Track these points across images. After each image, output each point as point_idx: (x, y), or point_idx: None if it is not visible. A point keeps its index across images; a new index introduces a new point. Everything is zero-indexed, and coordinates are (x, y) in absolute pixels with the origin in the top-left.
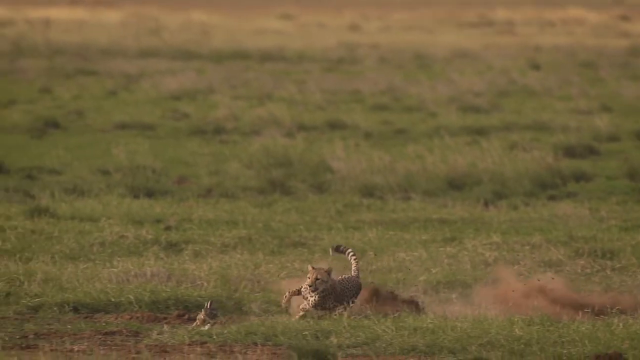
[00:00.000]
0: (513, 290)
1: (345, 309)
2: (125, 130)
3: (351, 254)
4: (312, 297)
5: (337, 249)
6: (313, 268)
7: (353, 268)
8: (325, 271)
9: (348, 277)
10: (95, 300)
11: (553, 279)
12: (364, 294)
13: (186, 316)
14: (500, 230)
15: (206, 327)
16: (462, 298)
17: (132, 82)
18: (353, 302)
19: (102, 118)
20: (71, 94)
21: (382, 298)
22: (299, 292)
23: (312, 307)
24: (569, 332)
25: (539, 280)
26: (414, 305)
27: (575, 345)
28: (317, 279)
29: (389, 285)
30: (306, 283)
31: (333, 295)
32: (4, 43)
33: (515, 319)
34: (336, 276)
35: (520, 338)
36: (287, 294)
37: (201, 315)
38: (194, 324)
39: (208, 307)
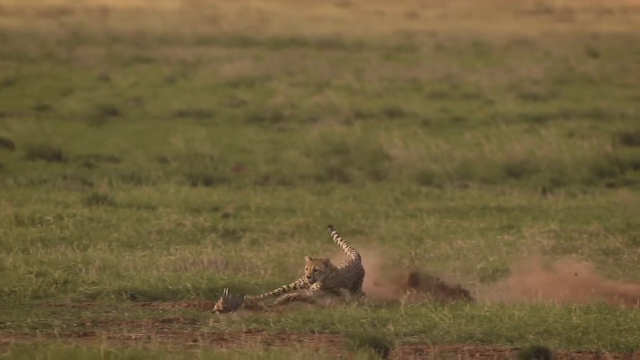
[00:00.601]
0: (546, 284)
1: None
2: (183, 118)
3: (335, 235)
4: (314, 287)
5: (330, 227)
6: (310, 259)
7: (346, 250)
8: (323, 262)
9: (349, 265)
10: (153, 288)
11: (593, 273)
12: (402, 280)
13: (243, 305)
14: (558, 218)
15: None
16: (519, 286)
17: (190, 70)
18: (359, 287)
19: (160, 105)
20: (129, 82)
21: (422, 283)
22: (283, 291)
23: (314, 296)
24: (626, 320)
25: (576, 275)
26: (461, 293)
27: (632, 333)
28: (315, 270)
29: (445, 272)
30: (305, 274)
31: (336, 281)
32: (62, 32)
33: (573, 307)
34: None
35: (577, 326)
36: (265, 294)
37: (219, 305)
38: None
39: (226, 295)
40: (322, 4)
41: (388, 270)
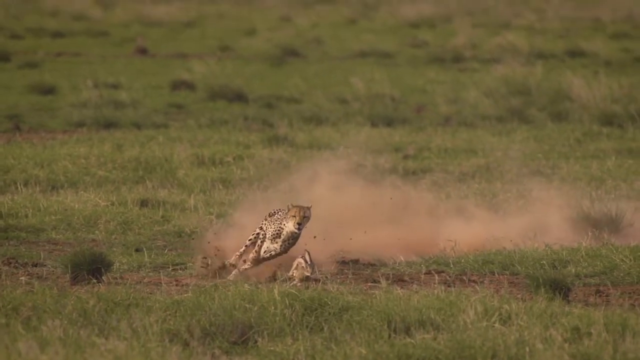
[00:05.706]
0: None
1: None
2: (363, 59)
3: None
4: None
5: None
6: (295, 206)
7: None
8: (308, 208)
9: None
10: None
11: None
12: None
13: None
14: None
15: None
16: None
17: (371, 10)
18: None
19: (340, 46)
20: (310, 22)
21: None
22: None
23: (280, 250)
24: None
25: None
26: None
27: None
28: (304, 216)
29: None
30: (294, 221)
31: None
32: None
33: None
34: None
35: None
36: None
37: (305, 271)
38: (291, 279)
39: (308, 259)
40: None
41: None
